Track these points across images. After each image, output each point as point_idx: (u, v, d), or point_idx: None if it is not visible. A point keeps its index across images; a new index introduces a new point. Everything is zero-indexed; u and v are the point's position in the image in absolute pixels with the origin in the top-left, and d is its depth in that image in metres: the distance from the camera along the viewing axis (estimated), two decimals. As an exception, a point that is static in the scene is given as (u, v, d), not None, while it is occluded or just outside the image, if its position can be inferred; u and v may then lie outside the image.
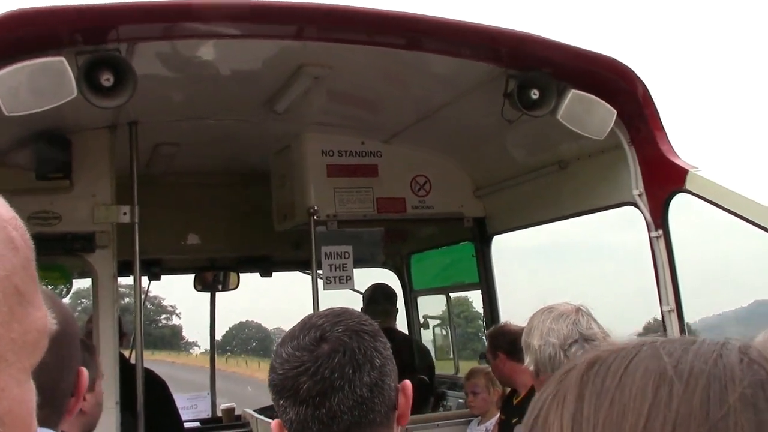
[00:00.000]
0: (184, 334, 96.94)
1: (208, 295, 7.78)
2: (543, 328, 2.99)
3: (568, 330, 2.92)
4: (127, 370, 4.71)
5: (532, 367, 3.07)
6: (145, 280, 6.88)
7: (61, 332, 1.13)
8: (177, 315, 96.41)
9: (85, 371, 1.27)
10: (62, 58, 3.28)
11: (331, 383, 1.58)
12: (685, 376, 0.64)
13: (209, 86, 4.61)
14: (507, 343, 4.65)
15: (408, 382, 1.75)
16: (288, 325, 1.76)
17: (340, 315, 1.70)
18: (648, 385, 0.64)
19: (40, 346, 0.74)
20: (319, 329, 1.65)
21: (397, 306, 6.87)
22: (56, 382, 1.61)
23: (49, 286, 4.80)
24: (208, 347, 8.73)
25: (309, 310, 5.28)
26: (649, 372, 0.65)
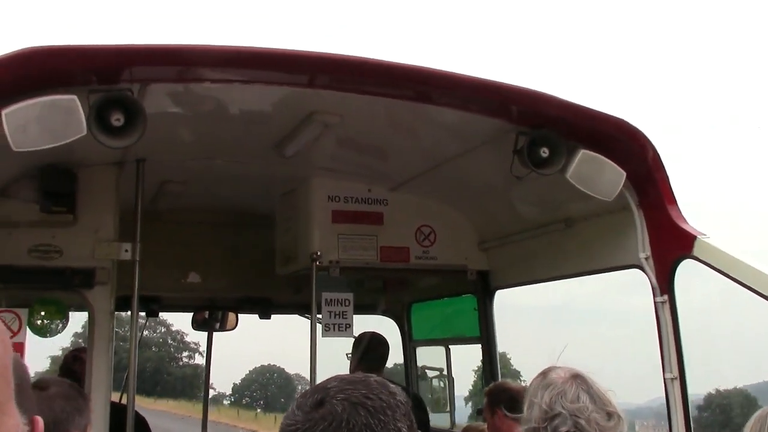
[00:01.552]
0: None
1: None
2: (532, 395, 2.90)
3: (551, 402, 2.82)
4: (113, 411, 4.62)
5: None
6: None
7: (18, 378, 1.08)
8: (200, 353, 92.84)
9: (39, 420, 1.22)
10: (74, 97, 3.26)
11: None
12: None
13: (219, 127, 4.61)
14: (507, 399, 4.58)
15: None
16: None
17: (352, 383, 1.62)
18: None
19: None
20: (323, 392, 1.59)
21: None
22: None
23: (45, 321, 4.75)
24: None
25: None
26: None
